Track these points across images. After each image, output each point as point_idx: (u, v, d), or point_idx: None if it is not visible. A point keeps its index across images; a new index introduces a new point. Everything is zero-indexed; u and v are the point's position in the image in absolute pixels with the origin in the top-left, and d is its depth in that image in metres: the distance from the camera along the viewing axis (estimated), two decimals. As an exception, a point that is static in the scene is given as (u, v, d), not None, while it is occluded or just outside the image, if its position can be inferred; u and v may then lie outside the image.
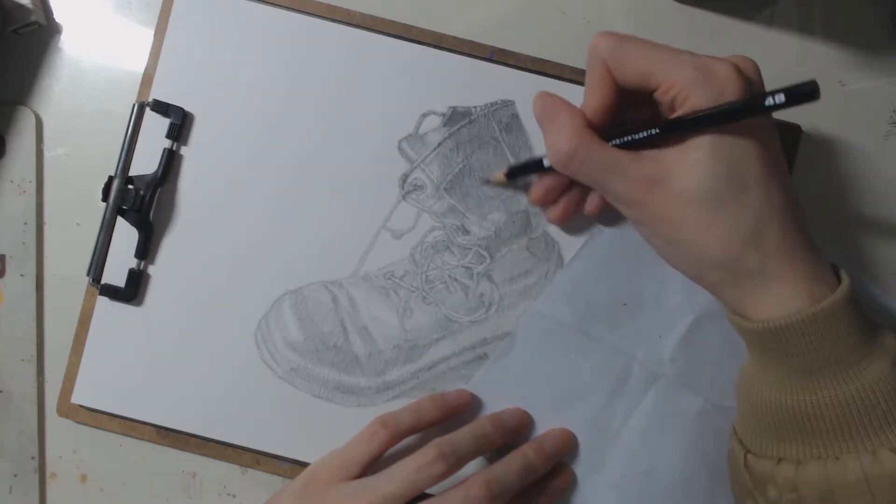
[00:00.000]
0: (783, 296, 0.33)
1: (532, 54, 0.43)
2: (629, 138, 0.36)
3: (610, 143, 0.36)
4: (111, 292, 0.42)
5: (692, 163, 0.33)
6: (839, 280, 0.34)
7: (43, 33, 0.45)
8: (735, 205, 0.33)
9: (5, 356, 0.44)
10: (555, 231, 0.43)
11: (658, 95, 0.35)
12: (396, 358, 0.43)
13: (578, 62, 0.43)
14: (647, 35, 0.44)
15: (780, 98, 0.32)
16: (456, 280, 0.43)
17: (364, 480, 0.37)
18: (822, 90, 0.31)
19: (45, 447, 0.45)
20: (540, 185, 0.40)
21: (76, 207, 0.44)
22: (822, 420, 0.33)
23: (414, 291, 0.43)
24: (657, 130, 0.35)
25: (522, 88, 0.43)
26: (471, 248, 0.43)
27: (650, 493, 0.41)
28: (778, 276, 0.33)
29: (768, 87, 0.32)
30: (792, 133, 0.43)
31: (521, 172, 0.41)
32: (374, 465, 0.38)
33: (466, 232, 0.43)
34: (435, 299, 0.43)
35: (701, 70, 0.33)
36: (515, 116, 0.43)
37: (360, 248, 0.43)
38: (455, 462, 0.37)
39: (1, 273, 0.44)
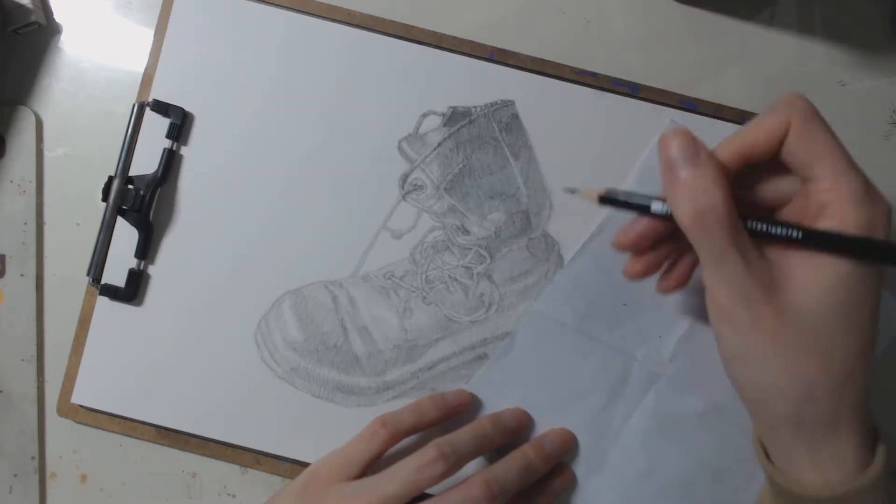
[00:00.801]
0: (838, 457, 0.31)
1: (532, 54, 0.43)
2: (773, 228, 0.31)
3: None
4: (111, 292, 0.42)
5: (819, 285, 0.30)
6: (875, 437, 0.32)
7: (43, 33, 0.45)
8: (840, 344, 0.31)
9: (5, 356, 0.44)
10: (555, 231, 0.43)
11: (811, 189, 0.31)
12: (396, 358, 0.43)
13: (578, 62, 0.43)
14: (648, 35, 0.44)
15: None
16: (456, 280, 0.43)
17: (364, 480, 0.38)
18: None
19: (45, 447, 0.45)
20: (634, 228, 0.34)
21: (76, 207, 0.44)
22: None
23: (414, 291, 0.43)
24: (795, 233, 0.31)
25: (522, 88, 0.43)
26: (471, 248, 0.43)
27: (650, 494, 0.42)
28: (842, 435, 0.31)
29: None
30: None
31: (621, 205, 0.34)
32: (374, 464, 0.38)
33: (466, 232, 0.43)
34: (435, 299, 0.43)
35: (867, 191, 0.30)
36: (515, 116, 0.43)
37: (360, 248, 0.43)
38: (455, 462, 0.37)
39: (1, 273, 0.44)
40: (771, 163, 0.32)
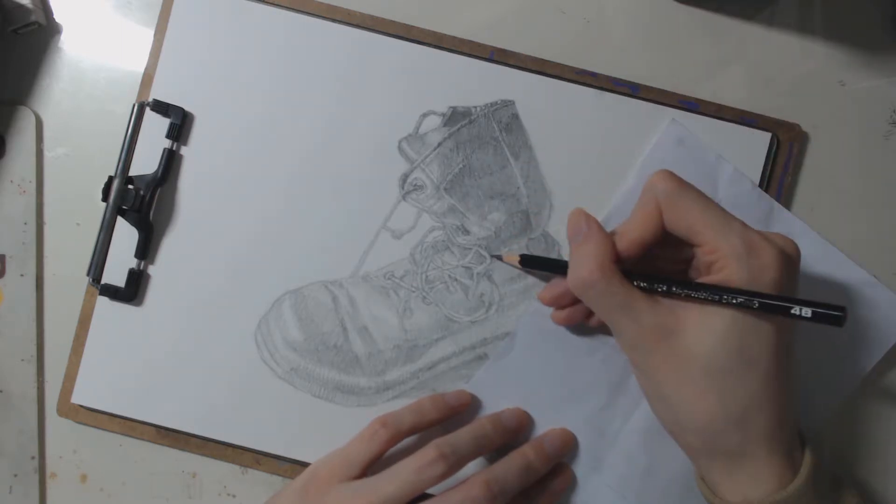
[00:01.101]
0: (754, 477, 0.34)
1: (532, 54, 0.43)
2: (659, 286, 0.35)
3: (632, 281, 0.35)
4: (111, 292, 0.42)
5: (708, 329, 0.34)
6: (802, 454, 0.35)
7: (43, 33, 0.45)
8: (734, 382, 0.34)
9: (5, 356, 0.44)
10: (555, 231, 0.43)
11: (698, 252, 0.35)
12: (396, 358, 0.43)
13: (578, 62, 0.43)
14: (648, 35, 0.44)
15: (807, 313, 0.32)
16: (456, 280, 0.43)
17: (364, 481, 0.38)
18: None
19: (45, 447, 0.45)
20: (553, 288, 0.40)
21: (76, 207, 0.44)
22: None
23: (414, 291, 0.43)
24: (688, 292, 0.34)
25: (522, 88, 0.43)
26: (471, 248, 0.43)
27: (650, 494, 0.41)
28: (754, 459, 0.34)
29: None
30: (792, 132, 0.43)
31: (537, 266, 0.41)
32: (374, 465, 0.38)
33: (466, 232, 0.43)
34: (435, 299, 0.43)
35: (747, 246, 0.33)
36: (515, 116, 0.43)
37: (360, 248, 0.43)
38: (455, 462, 0.37)
39: (1, 273, 0.44)
40: (667, 237, 0.36)
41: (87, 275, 0.43)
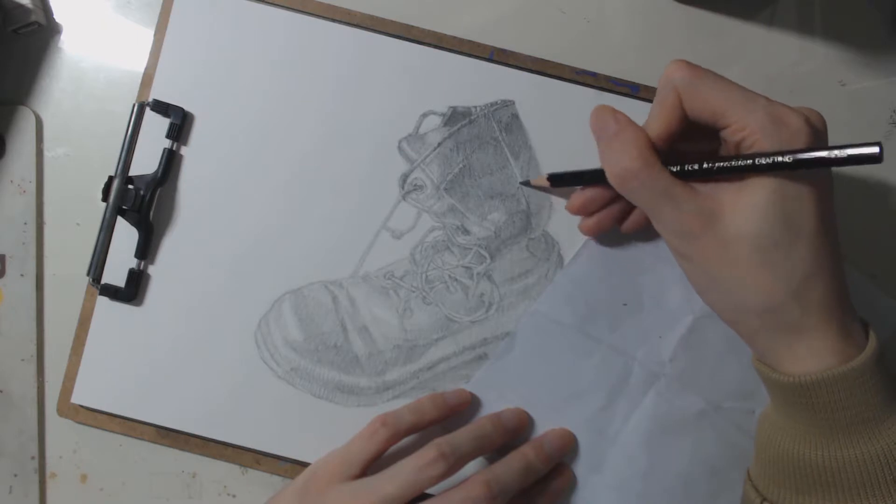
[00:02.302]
0: (817, 351, 0.33)
1: (532, 54, 0.43)
2: (691, 167, 0.35)
3: (669, 169, 0.35)
4: (111, 292, 0.42)
5: (749, 205, 0.33)
6: (867, 337, 0.34)
7: (43, 33, 0.45)
8: (786, 253, 0.33)
9: (5, 356, 0.44)
10: (555, 231, 0.43)
11: (726, 134, 0.34)
12: (396, 358, 0.43)
13: (578, 62, 0.43)
14: (648, 35, 0.44)
15: (844, 154, 0.31)
16: (456, 280, 0.43)
17: (364, 480, 0.38)
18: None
19: (45, 447, 0.45)
20: (582, 195, 0.40)
21: (76, 207, 0.44)
22: (845, 476, 0.33)
23: (414, 291, 0.43)
24: (721, 164, 0.34)
25: (522, 88, 0.43)
26: (471, 248, 0.43)
27: (650, 494, 0.41)
28: (815, 332, 0.33)
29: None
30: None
31: (567, 182, 0.41)
32: (374, 464, 0.38)
33: (466, 232, 0.43)
34: (435, 299, 0.43)
35: (773, 118, 0.33)
36: (515, 116, 0.43)
37: (360, 248, 0.43)
38: (455, 462, 0.37)
39: (1, 273, 0.44)
40: (700, 125, 0.35)
41: (87, 275, 0.43)
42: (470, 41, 0.43)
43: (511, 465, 0.39)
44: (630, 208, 0.40)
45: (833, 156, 0.31)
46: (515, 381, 0.42)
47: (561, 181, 0.41)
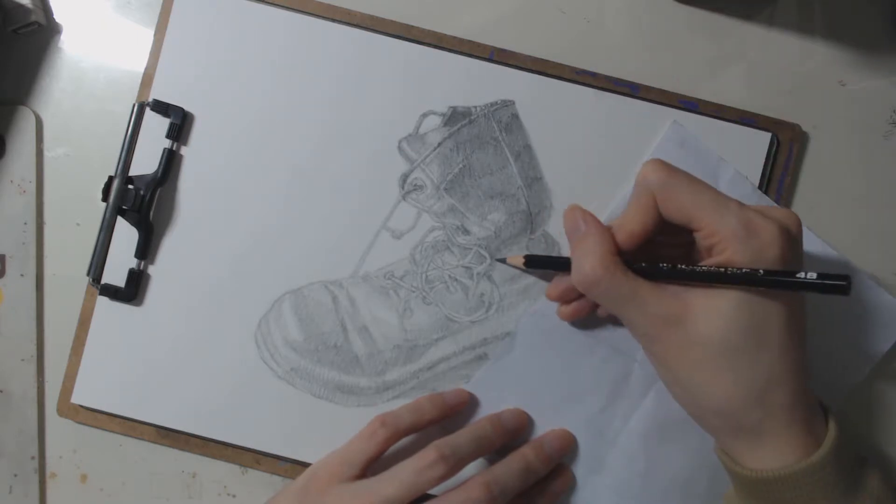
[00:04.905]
0: (778, 449, 0.34)
1: (532, 54, 0.43)
2: (663, 267, 0.35)
3: (633, 267, 0.35)
4: (111, 292, 0.42)
5: (715, 311, 0.33)
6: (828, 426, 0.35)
7: (43, 33, 0.45)
8: (749, 361, 0.33)
9: (5, 356, 0.44)
10: (555, 231, 0.43)
11: (697, 237, 0.35)
12: (396, 358, 0.43)
13: (578, 62, 0.43)
14: (648, 35, 0.44)
15: (812, 276, 0.32)
16: (456, 280, 0.43)
17: (364, 482, 0.38)
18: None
19: (45, 447, 0.45)
20: (559, 284, 0.40)
21: (76, 207, 0.44)
22: None
23: (414, 291, 0.43)
24: (692, 269, 0.34)
25: (522, 88, 0.43)
26: (471, 248, 0.43)
27: (650, 495, 0.41)
28: (776, 433, 0.34)
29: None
30: (792, 132, 0.43)
31: (541, 265, 0.41)
32: (374, 464, 0.38)
33: (466, 232, 0.43)
34: (435, 299, 0.43)
35: (745, 226, 0.33)
36: (515, 116, 0.43)
37: (360, 248, 0.43)
38: (455, 464, 0.37)
39: (1, 273, 0.44)
40: (666, 224, 0.36)
41: (87, 275, 0.43)
42: (470, 41, 0.43)
43: (511, 466, 0.39)
44: None
45: (802, 280, 0.32)
46: (515, 381, 0.42)
47: (535, 264, 0.41)
